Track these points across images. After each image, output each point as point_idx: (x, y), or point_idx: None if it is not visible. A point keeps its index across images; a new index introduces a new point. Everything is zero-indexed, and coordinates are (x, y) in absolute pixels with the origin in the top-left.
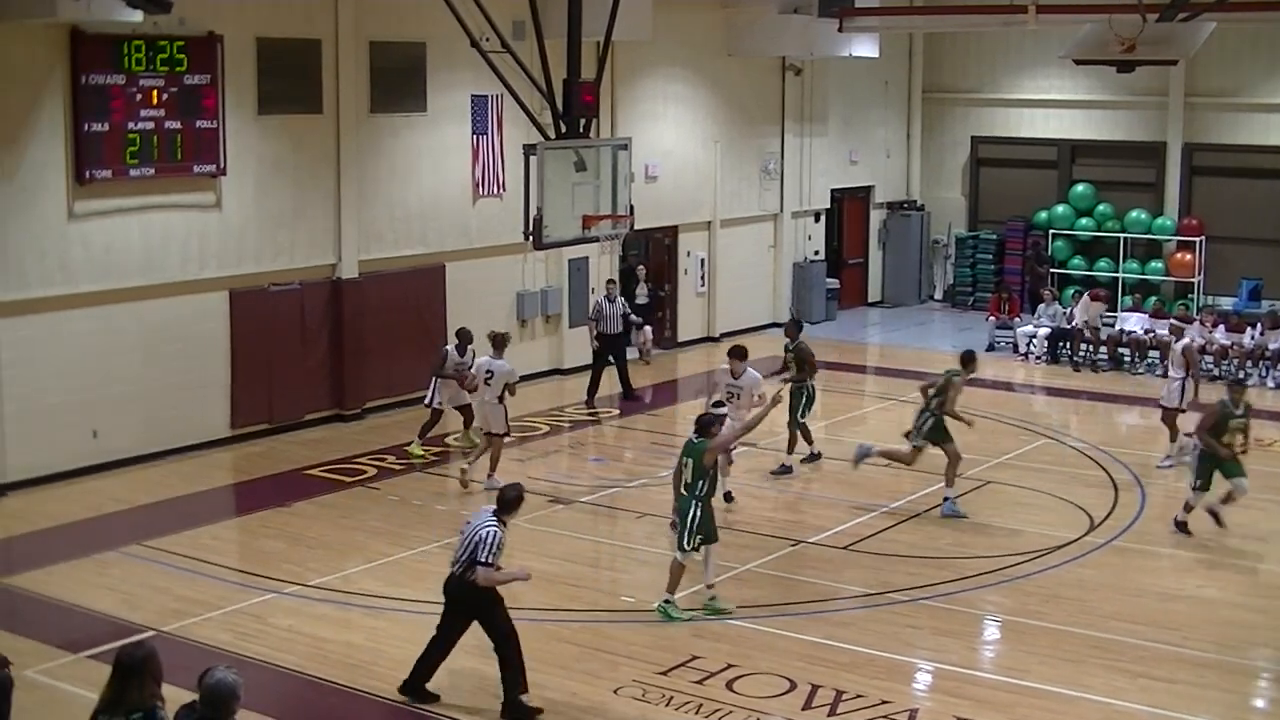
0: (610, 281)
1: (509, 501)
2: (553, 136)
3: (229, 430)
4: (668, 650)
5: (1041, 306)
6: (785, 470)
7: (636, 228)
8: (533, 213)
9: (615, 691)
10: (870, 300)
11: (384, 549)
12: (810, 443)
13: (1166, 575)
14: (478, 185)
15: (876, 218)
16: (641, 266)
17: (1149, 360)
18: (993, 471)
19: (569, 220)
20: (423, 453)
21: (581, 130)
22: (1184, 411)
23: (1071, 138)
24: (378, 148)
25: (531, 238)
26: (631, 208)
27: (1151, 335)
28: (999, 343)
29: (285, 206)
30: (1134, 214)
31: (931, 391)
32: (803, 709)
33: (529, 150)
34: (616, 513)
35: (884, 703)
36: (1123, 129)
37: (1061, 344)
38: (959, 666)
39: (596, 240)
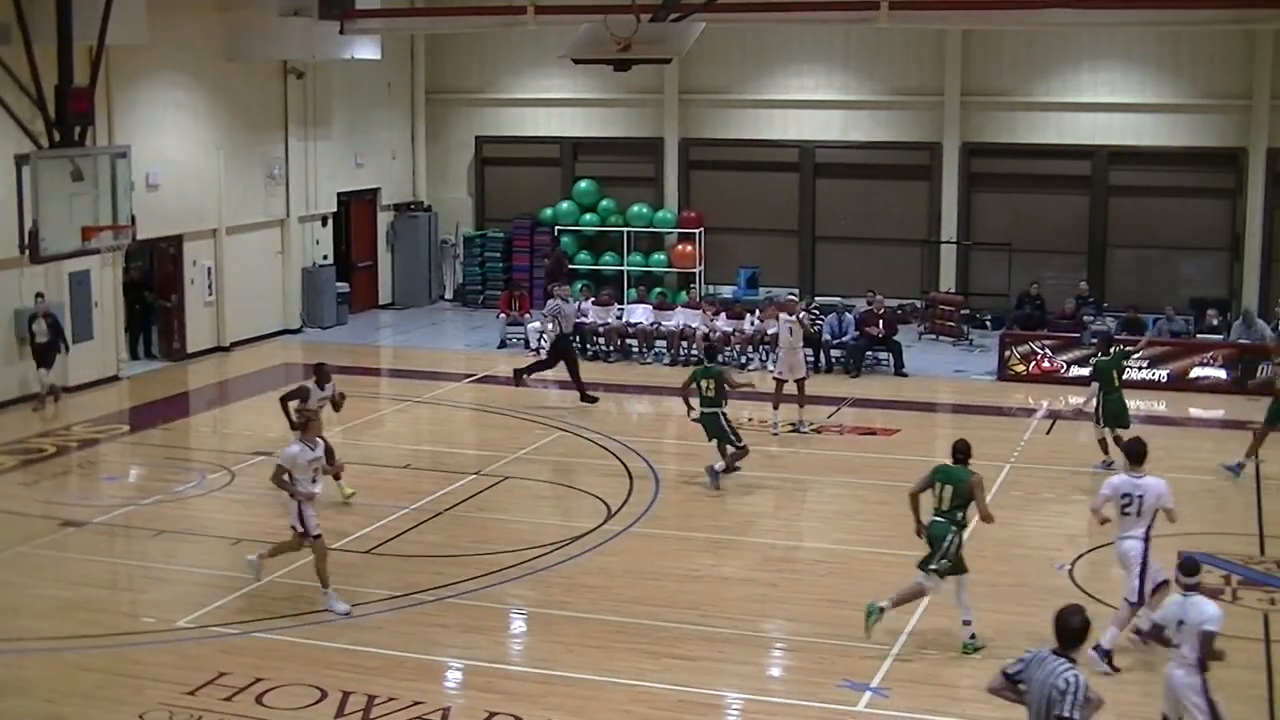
0: (563, 285)
1: (1075, 632)
2: (46, 145)
3: None
4: (194, 669)
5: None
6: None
7: (140, 238)
8: (28, 225)
9: (141, 716)
10: (381, 303)
11: None
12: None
13: (683, 557)
14: None
15: (384, 220)
16: (40, 295)
17: (656, 350)
18: (510, 467)
19: (68, 232)
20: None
21: (77, 138)
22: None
23: (574, 135)
24: None
25: (28, 251)
26: (133, 217)
27: (656, 326)
28: (511, 339)
29: None
30: (636, 208)
31: None
32: (335, 717)
33: (21, 160)
34: (132, 531)
35: (417, 704)
36: (622, 126)
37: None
38: (488, 662)
39: (98, 252)
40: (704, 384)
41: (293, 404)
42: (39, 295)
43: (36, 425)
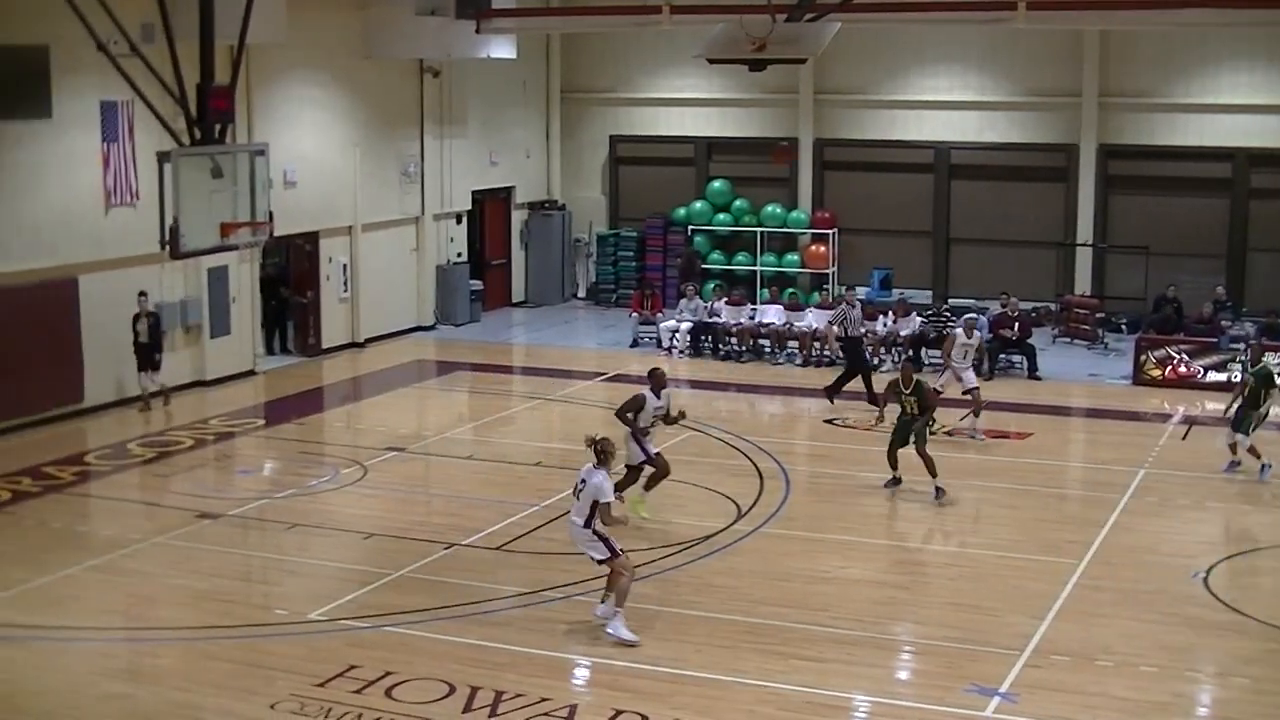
0: (850, 288)
1: None
2: (187, 143)
3: None
4: (324, 661)
5: (683, 301)
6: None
7: (277, 234)
8: (169, 221)
9: (273, 707)
10: (514, 300)
11: (23, 575)
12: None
13: (812, 558)
14: (110, 194)
15: (518, 218)
16: (143, 294)
17: (788, 350)
18: (641, 466)
19: (207, 228)
20: (646, 514)
21: (217, 136)
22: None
23: (708, 135)
24: None
25: (168, 247)
26: (271, 214)
27: (788, 326)
28: (643, 338)
29: None
30: (769, 208)
31: None
32: (463, 712)
33: (163, 157)
34: (266, 524)
35: (544, 700)
36: (756, 126)
37: (704, 337)
38: (616, 660)
39: (235, 248)
40: (907, 404)
41: (629, 415)
42: (142, 294)
43: (176, 418)
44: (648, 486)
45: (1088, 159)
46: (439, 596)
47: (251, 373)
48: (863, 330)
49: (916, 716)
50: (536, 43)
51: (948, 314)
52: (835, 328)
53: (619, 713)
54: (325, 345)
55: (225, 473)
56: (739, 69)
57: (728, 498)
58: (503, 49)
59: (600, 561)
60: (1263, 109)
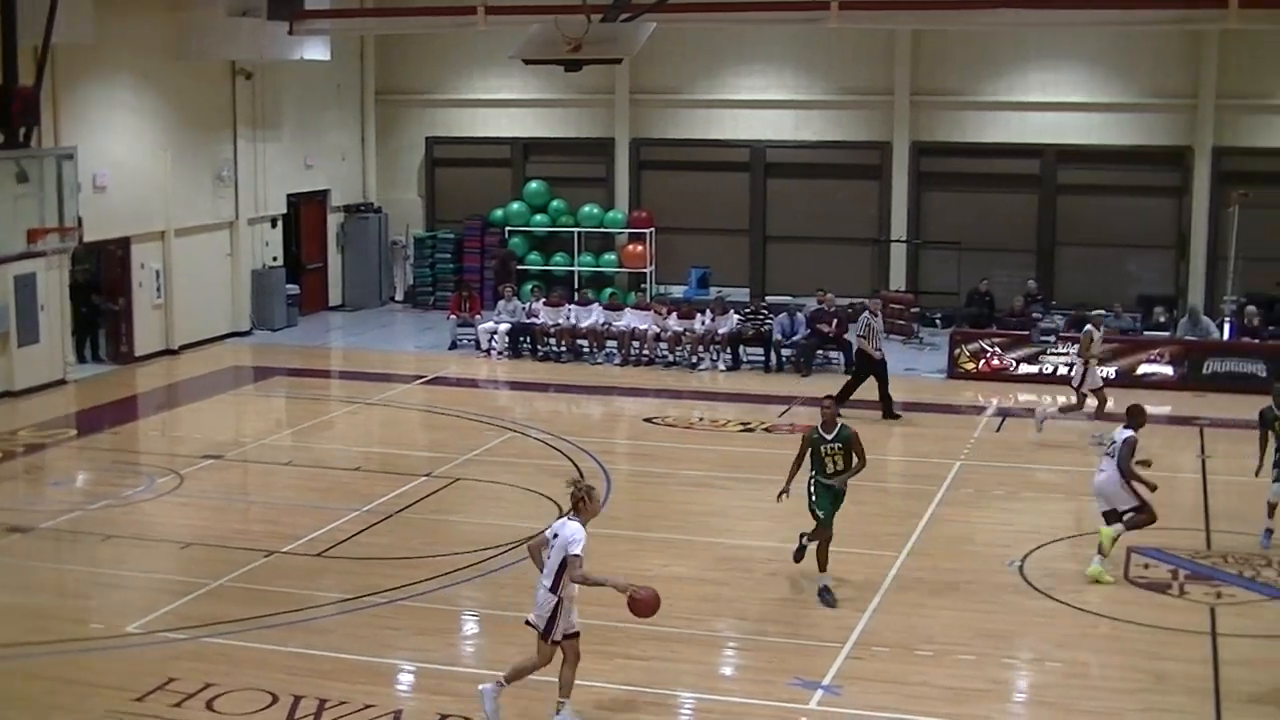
0: (875, 293)
1: None
2: None
3: None
4: (142, 675)
5: (501, 303)
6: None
7: (87, 240)
8: None
9: None
10: (332, 304)
11: None
12: None
13: (635, 557)
14: None
15: (334, 221)
16: None
17: (607, 350)
18: (461, 468)
19: (13, 234)
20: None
21: (22, 139)
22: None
23: (524, 136)
24: None
25: None
26: (80, 219)
27: (607, 326)
28: (461, 340)
29: None
30: (587, 208)
31: None
32: None
33: None
34: (80, 536)
35: (368, 707)
36: (573, 126)
37: (522, 338)
38: (440, 664)
39: (43, 255)
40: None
41: (1130, 463)
42: None
43: None
44: (1130, 526)
45: (901, 156)
46: (259, 605)
47: (62, 382)
48: (881, 342)
49: (742, 711)
50: (351, 44)
51: (765, 311)
52: (862, 340)
53: (444, 716)
54: (139, 352)
55: (36, 485)
56: (555, 70)
57: (549, 498)
58: (316, 50)
59: (545, 637)
60: (1070, 107)
